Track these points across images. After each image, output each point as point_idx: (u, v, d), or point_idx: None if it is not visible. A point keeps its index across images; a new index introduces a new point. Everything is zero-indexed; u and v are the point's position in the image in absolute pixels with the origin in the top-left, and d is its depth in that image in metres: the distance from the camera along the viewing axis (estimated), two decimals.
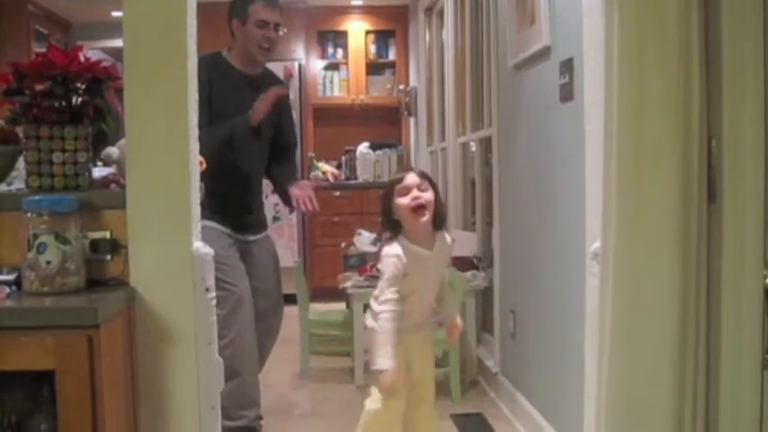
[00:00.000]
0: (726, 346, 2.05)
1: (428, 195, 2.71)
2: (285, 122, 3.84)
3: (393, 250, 2.71)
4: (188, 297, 2.06)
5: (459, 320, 2.99)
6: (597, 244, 2.35)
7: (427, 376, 2.93)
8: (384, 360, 2.63)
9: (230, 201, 3.50)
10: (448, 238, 2.87)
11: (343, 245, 5.49)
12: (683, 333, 2.06)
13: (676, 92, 2.04)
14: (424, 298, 2.81)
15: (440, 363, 4.50)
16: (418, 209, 2.69)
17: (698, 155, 2.05)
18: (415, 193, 2.69)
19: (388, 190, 2.77)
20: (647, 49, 2.05)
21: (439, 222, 2.78)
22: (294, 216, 7.04)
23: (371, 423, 2.79)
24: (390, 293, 2.67)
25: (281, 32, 3.62)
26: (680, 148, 2.04)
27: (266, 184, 3.87)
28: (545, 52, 3.31)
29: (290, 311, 4.12)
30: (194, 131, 2.14)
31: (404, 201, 2.70)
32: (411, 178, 2.73)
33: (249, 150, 3.58)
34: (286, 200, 3.73)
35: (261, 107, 3.51)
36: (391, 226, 2.75)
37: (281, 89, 3.67)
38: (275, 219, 6.74)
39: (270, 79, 3.77)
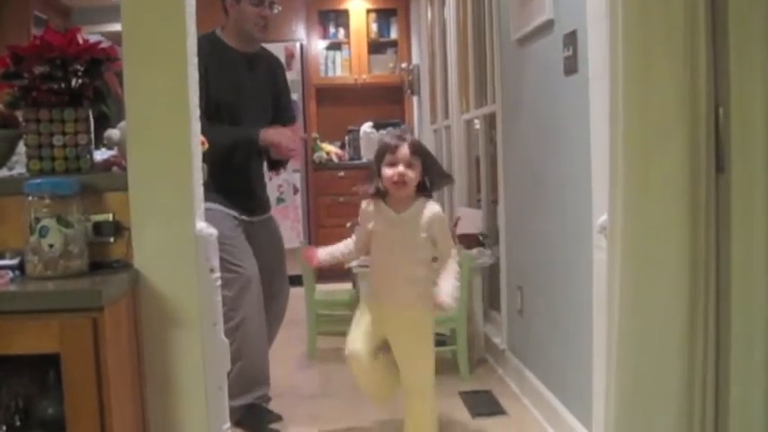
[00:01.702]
0: (735, 315, 2.03)
1: (411, 174, 2.92)
2: (284, 100, 3.82)
3: (364, 203, 3.06)
4: (192, 278, 2.06)
5: (445, 299, 2.89)
6: (604, 217, 2.33)
7: (411, 358, 3.08)
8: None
9: (233, 182, 3.48)
10: (431, 207, 2.99)
11: (348, 225, 5.46)
12: (693, 304, 2.05)
13: (683, 61, 2.01)
14: (395, 263, 2.99)
15: (447, 341, 4.51)
16: (398, 183, 2.91)
17: (705, 124, 2.02)
18: (400, 169, 2.90)
19: (380, 155, 2.97)
20: (652, 19, 2.02)
21: (427, 190, 3.01)
22: (299, 197, 7.04)
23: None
24: (353, 240, 3.15)
25: (275, 10, 3.59)
26: (687, 118, 2.02)
27: None
28: (548, 25, 3.28)
29: (296, 292, 4.12)
30: (195, 111, 2.13)
31: (388, 172, 2.92)
32: (403, 153, 2.92)
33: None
34: (272, 164, 3.75)
35: (273, 138, 3.51)
36: (376, 186, 2.99)
37: (302, 139, 3.70)
38: (280, 200, 6.74)
39: (267, 58, 3.74)
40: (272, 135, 3.52)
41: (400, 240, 2.98)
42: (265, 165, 3.81)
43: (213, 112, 3.32)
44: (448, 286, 2.93)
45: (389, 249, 3.01)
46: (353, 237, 3.15)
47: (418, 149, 2.96)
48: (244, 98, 3.55)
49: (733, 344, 2.05)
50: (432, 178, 3.01)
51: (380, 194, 2.98)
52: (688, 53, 2.01)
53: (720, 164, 2.05)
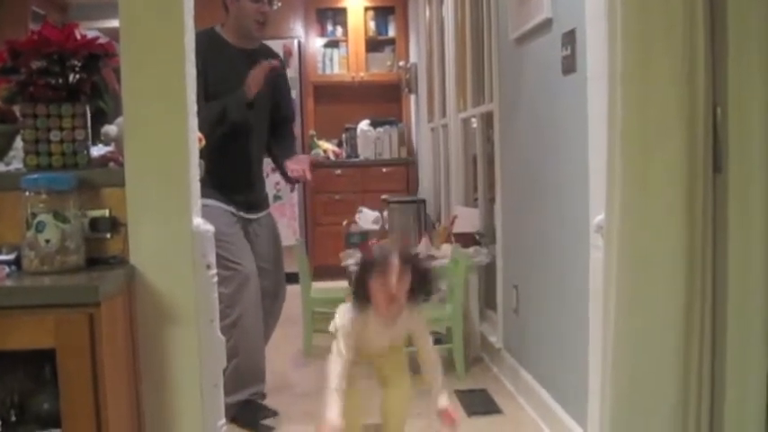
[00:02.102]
0: (732, 315, 2.03)
1: (403, 288, 2.72)
2: (282, 99, 3.81)
3: (347, 315, 2.87)
4: (188, 274, 2.05)
5: (446, 403, 2.87)
6: (601, 216, 2.33)
7: (398, 368, 3.06)
8: (330, 414, 2.79)
9: (231, 178, 3.48)
10: (419, 314, 2.90)
11: (344, 223, 5.48)
12: (689, 304, 2.05)
13: (681, 60, 2.01)
14: (383, 351, 2.98)
15: (443, 339, 4.51)
16: (389, 300, 2.72)
17: (703, 124, 2.02)
18: (391, 285, 2.69)
19: (367, 266, 2.79)
20: (651, 18, 2.02)
21: (417, 295, 2.80)
22: (295, 194, 7.04)
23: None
24: (344, 346, 2.85)
25: (274, 7, 3.59)
26: (685, 118, 2.01)
27: (266, 163, 3.85)
28: (546, 24, 3.28)
29: (292, 290, 4.11)
30: (193, 107, 2.12)
31: (378, 289, 2.72)
32: (393, 264, 2.71)
33: (248, 127, 3.55)
34: (286, 177, 3.72)
35: (255, 80, 3.46)
36: (362, 296, 2.79)
37: (274, 62, 3.60)
38: (276, 197, 6.73)
39: (266, 54, 3.73)
40: (254, 74, 3.46)
41: (390, 340, 2.97)
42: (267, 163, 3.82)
43: None
44: (445, 400, 2.89)
45: (383, 348, 2.98)
46: (345, 349, 2.86)
47: (409, 257, 2.81)
48: None
49: (729, 343, 2.05)
50: (423, 283, 2.83)
51: (364, 302, 2.80)
52: (687, 51, 2.00)
53: (718, 164, 2.05)
